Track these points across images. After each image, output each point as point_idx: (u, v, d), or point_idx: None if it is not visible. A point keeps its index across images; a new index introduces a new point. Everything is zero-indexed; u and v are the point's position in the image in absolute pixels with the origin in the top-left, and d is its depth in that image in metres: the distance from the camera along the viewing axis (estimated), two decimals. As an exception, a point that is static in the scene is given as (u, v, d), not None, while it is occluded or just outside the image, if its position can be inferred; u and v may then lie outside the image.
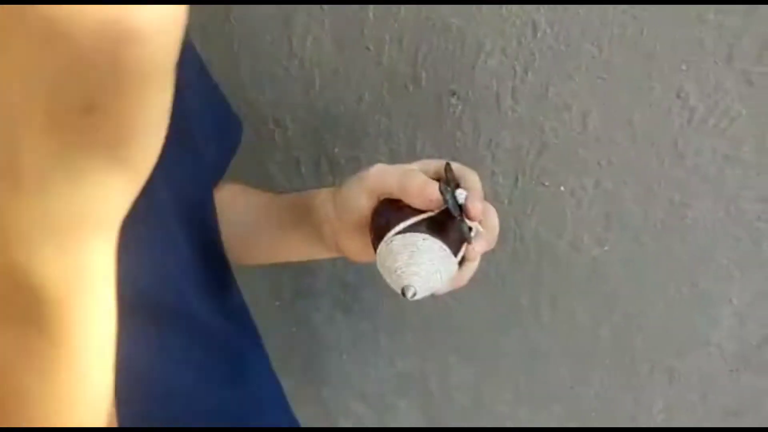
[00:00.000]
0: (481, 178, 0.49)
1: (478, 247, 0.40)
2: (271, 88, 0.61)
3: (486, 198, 0.45)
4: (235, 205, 0.50)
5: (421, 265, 0.38)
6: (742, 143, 0.46)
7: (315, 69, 0.58)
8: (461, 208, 0.39)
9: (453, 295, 0.66)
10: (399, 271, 0.38)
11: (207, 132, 0.44)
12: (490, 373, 0.70)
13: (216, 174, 0.48)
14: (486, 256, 0.61)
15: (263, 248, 0.51)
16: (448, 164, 0.42)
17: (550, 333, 0.63)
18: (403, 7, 0.51)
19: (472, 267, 0.43)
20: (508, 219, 0.58)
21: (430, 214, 0.39)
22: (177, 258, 0.38)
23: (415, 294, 0.38)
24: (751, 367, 0.57)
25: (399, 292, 0.38)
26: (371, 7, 0.52)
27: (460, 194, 0.39)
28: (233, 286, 0.46)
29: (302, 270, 0.74)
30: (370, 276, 0.71)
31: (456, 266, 0.40)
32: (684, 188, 0.50)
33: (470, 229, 0.40)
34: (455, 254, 0.39)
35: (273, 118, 0.63)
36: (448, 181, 0.40)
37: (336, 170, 0.63)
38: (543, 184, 0.54)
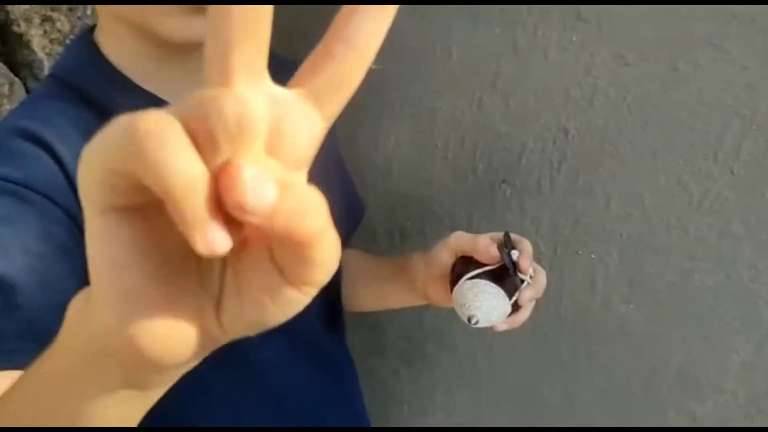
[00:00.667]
0: (527, 248, 0.64)
1: (527, 294, 0.53)
2: (358, 174, 0.77)
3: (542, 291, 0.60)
4: (349, 263, 0.66)
5: (483, 302, 0.51)
6: (732, 220, 0.59)
7: (394, 161, 0.74)
8: (514, 264, 0.53)
9: (504, 349, 0.78)
10: (467, 306, 0.52)
11: (340, 209, 0.62)
12: (536, 421, 0.80)
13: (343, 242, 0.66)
14: (532, 316, 0.74)
15: (369, 298, 0.67)
16: (506, 233, 0.56)
17: (588, 383, 0.74)
18: (465, 115, 0.67)
19: (524, 313, 0.56)
20: (549, 282, 0.71)
21: (492, 266, 0.53)
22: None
23: (477, 322, 0.51)
24: (763, 412, 0.66)
25: (466, 320, 0.52)
26: (440, 114, 0.69)
27: (514, 253, 0.53)
28: (343, 323, 0.62)
29: (374, 327, 0.88)
30: (432, 332, 0.83)
31: (509, 307, 0.53)
32: (691, 256, 0.62)
33: (522, 280, 0.53)
34: (509, 297, 0.53)
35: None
36: (506, 244, 0.54)
37: (406, 241, 0.78)
38: (577, 253, 0.68)
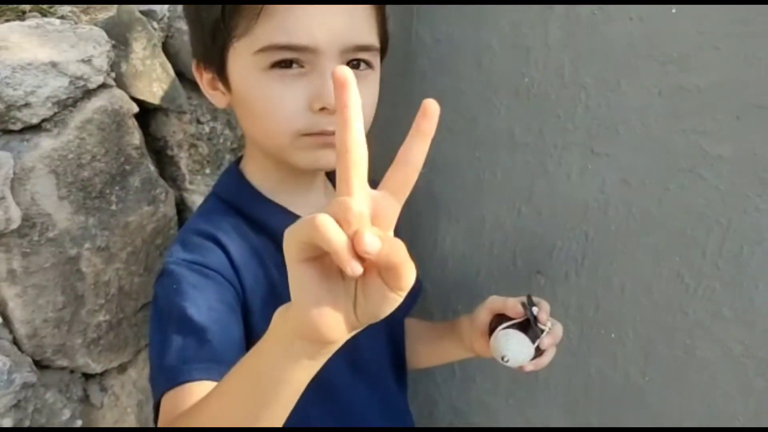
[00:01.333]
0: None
1: (547, 340, 0.71)
2: (419, 266, 0.96)
3: (561, 344, 0.76)
4: (410, 327, 0.86)
5: (512, 346, 0.70)
6: (722, 305, 0.75)
7: (449, 257, 0.93)
8: (535, 317, 0.71)
9: (541, 419, 0.92)
10: (500, 349, 0.70)
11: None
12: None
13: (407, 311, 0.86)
14: (566, 387, 0.88)
15: (426, 353, 0.86)
16: (529, 295, 0.74)
17: (615, 448, 0.86)
18: (507, 221, 0.87)
19: (547, 357, 0.73)
20: (577, 357, 0.86)
21: (518, 320, 0.71)
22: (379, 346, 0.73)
23: (508, 361, 0.70)
24: (766, 475, 0.78)
25: (500, 360, 0.70)
26: (487, 220, 0.89)
27: (534, 309, 0.71)
28: (406, 379, 0.80)
29: (425, 400, 1.02)
30: (477, 404, 0.98)
31: (533, 350, 0.70)
32: (691, 335, 0.78)
33: (542, 330, 0.71)
34: (533, 342, 0.70)
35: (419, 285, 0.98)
36: (529, 303, 0.72)
37: (458, 323, 0.95)
38: (600, 332, 0.84)
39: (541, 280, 0.86)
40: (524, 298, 0.74)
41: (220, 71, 0.65)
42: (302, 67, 0.62)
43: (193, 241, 0.65)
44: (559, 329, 0.74)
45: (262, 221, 0.68)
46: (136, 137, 0.85)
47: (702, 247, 0.74)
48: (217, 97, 0.68)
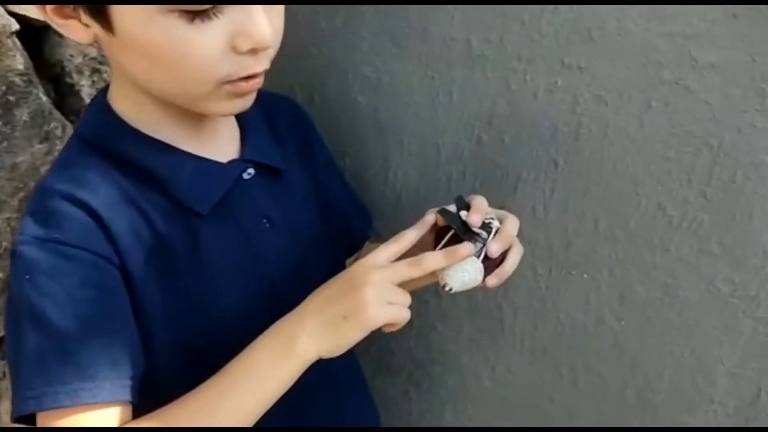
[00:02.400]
0: (524, 270, 0.71)
1: (494, 246, 0.58)
2: (371, 205, 0.85)
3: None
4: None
5: (450, 269, 0.56)
6: (709, 240, 0.65)
7: (402, 192, 0.82)
8: (464, 223, 0.58)
9: (507, 366, 0.83)
10: (440, 277, 0.56)
11: (350, 213, 0.76)
12: (540, 437, 0.84)
13: (358, 242, 0.79)
14: (532, 333, 0.79)
15: None
16: (458, 197, 0.62)
17: (586, 397, 0.79)
18: (465, 151, 0.75)
19: (509, 264, 0.61)
20: (546, 302, 0.77)
21: (450, 233, 0.58)
22: None
23: (451, 289, 0.56)
24: (751, 422, 0.71)
25: (444, 290, 0.56)
26: (443, 150, 0.77)
27: (463, 214, 0.58)
28: None
29: (384, 351, 0.93)
30: (438, 355, 0.89)
31: (479, 264, 0.57)
32: (673, 274, 0.68)
33: (481, 236, 0.57)
34: (477, 256, 0.57)
35: (372, 226, 0.87)
36: (460, 206, 0.60)
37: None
38: (570, 273, 0.74)
39: (505, 216, 0.76)
40: (452, 206, 0.61)
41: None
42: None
43: (48, 207, 0.51)
44: (510, 225, 0.61)
45: (139, 162, 0.55)
46: (19, 61, 0.71)
47: (688, 173, 0.64)
48: (72, 29, 0.50)
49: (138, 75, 0.52)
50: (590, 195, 0.69)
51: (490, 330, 0.83)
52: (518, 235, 0.75)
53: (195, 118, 0.56)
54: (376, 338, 0.91)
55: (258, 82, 0.53)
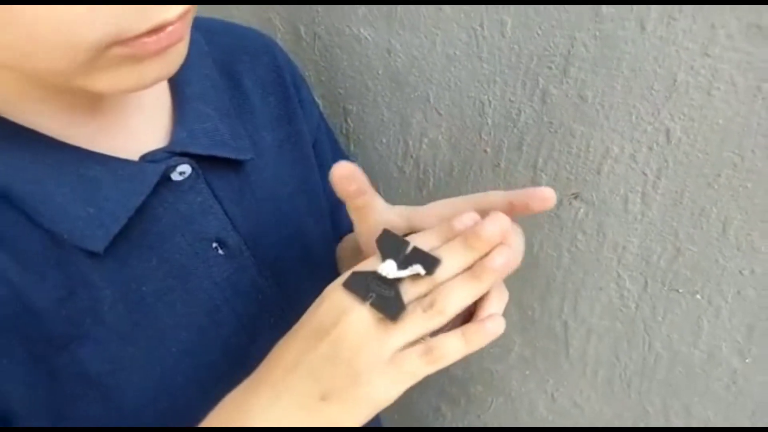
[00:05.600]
0: (605, 282, 0.47)
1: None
2: (385, 186, 0.62)
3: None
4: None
5: None
6: None
7: (430, 170, 0.58)
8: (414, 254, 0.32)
9: (572, 397, 0.62)
10: None
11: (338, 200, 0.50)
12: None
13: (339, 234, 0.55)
14: (611, 362, 0.58)
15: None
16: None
17: (682, 445, 0.58)
18: (524, 110, 0.50)
19: (488, 323, 0.33)
20: (637, 324, 0.54)
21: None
22: None
23: None
24: None
25: None
26: (489, 109, 0.52)
27: (408, 248, 0.32)
28: None
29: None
30: (479, 372, 0.68)
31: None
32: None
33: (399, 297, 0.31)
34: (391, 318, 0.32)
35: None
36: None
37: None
38: (676, 291, 0.51)
39: (580, 208, 0.52)
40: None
41: None
42: None
43: None
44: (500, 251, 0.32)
45: None
46: None
47: None
48: None
49: None
50: (720, 184, 0.45)
51: (550, 352, 0.61)
52: (599, 233, 0.53)
53: (86, 91, 0.32)
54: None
55: (175, 34, 0.29)
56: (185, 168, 0.37)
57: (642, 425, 0.60)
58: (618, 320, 0.55)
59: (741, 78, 0.41)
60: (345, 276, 0.32)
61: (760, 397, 0.52)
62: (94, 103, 0.35)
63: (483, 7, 0.48)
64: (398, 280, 0.31)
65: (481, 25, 0.49)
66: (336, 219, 0.52)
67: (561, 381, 0.62)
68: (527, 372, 0.64)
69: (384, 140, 0.59)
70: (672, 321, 0.52)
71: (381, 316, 0.30)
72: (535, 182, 0.53)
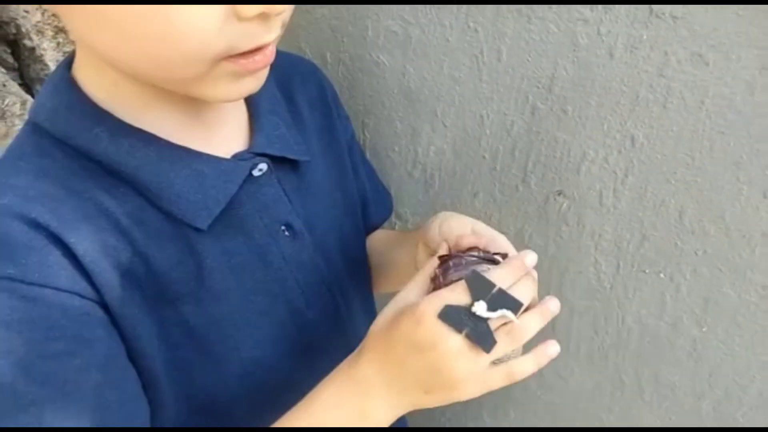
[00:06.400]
0: (584, 266, 0.58)
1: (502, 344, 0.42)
2: (396, 188, 0.72)
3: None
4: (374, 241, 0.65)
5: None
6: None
7: (436, 173, 0.68)
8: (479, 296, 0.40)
9: (557, 372, 0.72)
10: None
11: (369, 200, 0.63)
12: (594, 448, 0.74)
13: (375, 225, 0.66)
14: (591, 337, 0.68)
15: (384, 266, 0.64)
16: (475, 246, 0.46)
17: (652, 408, 0.68)
18: (517, 122, 0.61)
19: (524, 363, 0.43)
20: (611, 301, 0.65)
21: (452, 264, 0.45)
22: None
23: None
24: None
25: None
26: (487, 122, 0.63)
27: (484, 268, 0.42)
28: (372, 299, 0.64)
29: None
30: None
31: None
32: (776, 276, 0.56)
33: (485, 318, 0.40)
34: (481, 344, 0.41)
35: (396, 212, 0.73)
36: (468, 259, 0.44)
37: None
38: (643, 272, 0.61)
39: (563, 203, 0.62)
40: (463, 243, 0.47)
41: None
42: None
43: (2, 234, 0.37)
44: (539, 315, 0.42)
45: (114, 163, 0.41)
46: (-43, 21, 0.56)
47: (809, 154, 0.50)
48: None
49: (104, 51, 0.38)
50: (676, 180, 0.56)
51: (540, 331, 0.71)
52: (579, 224, 0.63)
53: (189, 100, 0.42)
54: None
55: (270, 56, 0.39)
56: (263, 165, 0.46)
57: (618, 394, 0.69)
58: (596, 299, 0.65)
59: (689, 94, 0.52)
60: (437, 306, 0.39)
61: (715, 361, 0.62)
62: (197, 112, 0.44)
63: (483, 37, 0.59)
64: (488, 317, 0.39)
65: (482, 53, 0.60)
66: (366, 212, 0.62)
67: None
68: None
69: (396, 149, 0.69)
70: (641, 297, 0.63)
71: (473, 344, 0.39)
72: (525, 182, 0.63)
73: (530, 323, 0.41)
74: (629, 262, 0.62)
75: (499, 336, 0.40)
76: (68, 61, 0.44)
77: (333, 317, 0.53)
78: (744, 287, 0.57)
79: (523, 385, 0.75)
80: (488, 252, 0.45)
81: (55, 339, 0.35)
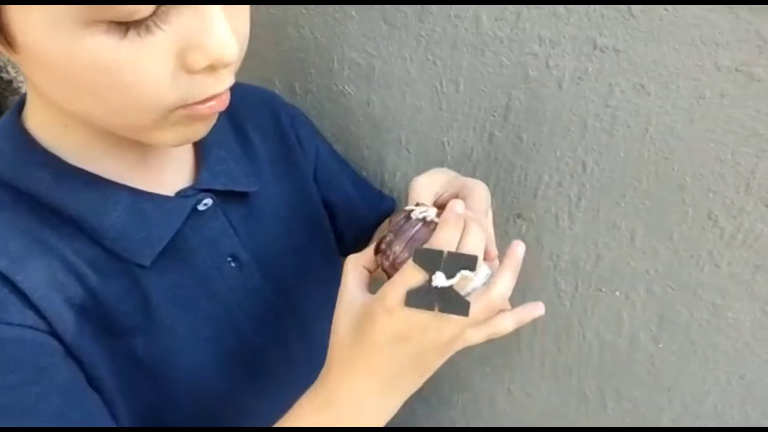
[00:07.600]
0: (545, 285, 0.60)
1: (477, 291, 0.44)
2: (365, 212, 0.74)
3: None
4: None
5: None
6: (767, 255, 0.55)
7: (401, 197, 0.71)
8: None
9: (524, 389, 0.74)
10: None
11: (358, 203, 0.67)
12: (562, 462, 0.76)
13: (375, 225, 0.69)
14: (554, 354, 0.70)
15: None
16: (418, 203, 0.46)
17: (615, 422, 0.70)
18: (475, 150, 0.64)
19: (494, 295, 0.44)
20: (570, 320, 0.67)
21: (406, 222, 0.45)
22: None
23: None
24: (808, 455, 0.62)
25: None
26: (448, 149, 0.65)
27: (419, 210, 0.45)
28: None
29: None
30: (447, 369, 0.80)
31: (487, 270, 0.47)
32: (724, 293, 0.58)
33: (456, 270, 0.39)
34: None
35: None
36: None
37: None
38: (600, 290, 0.64)
39: (522, 225, 0.65)
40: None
41: None
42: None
43: None
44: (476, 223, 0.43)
45: (56, 203, 0.42)
46: (-65, 59, 0.58)
47: (746, 178, 0.53)
48: None
49: (58, 101, 0.40)
50: (626, 202, 0.58)
51: (506, 348, 0.73)
52: (538, 245, 0.65)
53: (136, 142, 0.43)
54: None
55: (223, 102, 0.40)
56: (208, 200, 0.49)
57: (584, 408, 0.71)
58: (557, 316, 0.67)
59: (633, 122, 0.55)
60: (400, 294, 0.38)
61: (672, 375, 0.64)
62: (143, 152, 0.46)
63: (442, 69, 0.62)
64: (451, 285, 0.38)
65: (441, 84, 0.63)
66: (356, 216, 0.66)
67: (515, 375, 0.74)
68: (487, 369, 0.76)
69: (364, 173, 0.71)
70: (599, 315, 0.65)
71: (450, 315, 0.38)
72: (486, 206, 0.66)
73: (503, 281, 0.43)
74: (587, 281, 0.64)
75: (472, 298, 0.40)
76: (20, 104, 0.46)
77: (282, 343, 0.55)
78: (695, 304, 0.60)
79: (490, 400, 0.77)
80: (423, 204, 0.45)
81: (11, 371, 0.37)
